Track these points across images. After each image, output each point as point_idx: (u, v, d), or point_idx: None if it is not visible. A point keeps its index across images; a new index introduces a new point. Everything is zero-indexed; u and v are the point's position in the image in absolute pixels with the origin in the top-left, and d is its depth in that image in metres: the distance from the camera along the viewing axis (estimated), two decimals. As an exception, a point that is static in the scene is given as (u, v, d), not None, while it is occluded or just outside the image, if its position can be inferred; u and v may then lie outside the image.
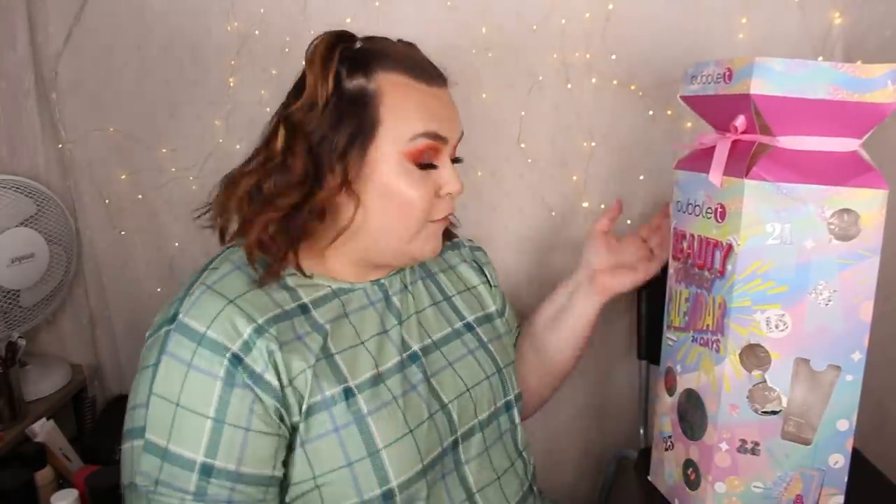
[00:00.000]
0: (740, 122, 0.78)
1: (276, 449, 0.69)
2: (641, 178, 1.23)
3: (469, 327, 0.89)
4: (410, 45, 0.79)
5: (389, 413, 0.73)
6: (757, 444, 0.79)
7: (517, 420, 0.90)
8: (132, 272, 1.36)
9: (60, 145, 1.31)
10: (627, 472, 1.32)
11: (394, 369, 0.76)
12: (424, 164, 0.74)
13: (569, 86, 1.20)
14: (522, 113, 1.22)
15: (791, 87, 0.72)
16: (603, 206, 1.24)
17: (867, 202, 0.74)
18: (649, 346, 1.23)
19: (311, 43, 0.75)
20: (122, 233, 1.35)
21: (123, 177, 1.32)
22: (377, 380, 0.74)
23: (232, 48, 1.22)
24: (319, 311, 0.75)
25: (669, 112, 1.19)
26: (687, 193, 0.86)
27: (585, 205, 1.25)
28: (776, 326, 0.77)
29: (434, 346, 0.83)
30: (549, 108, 1.21)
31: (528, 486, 0.89)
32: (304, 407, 0.69)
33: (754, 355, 0.78)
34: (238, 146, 1.26)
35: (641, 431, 1.29)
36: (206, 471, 0.66)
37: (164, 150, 1.29)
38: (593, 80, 1.19)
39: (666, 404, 0.90)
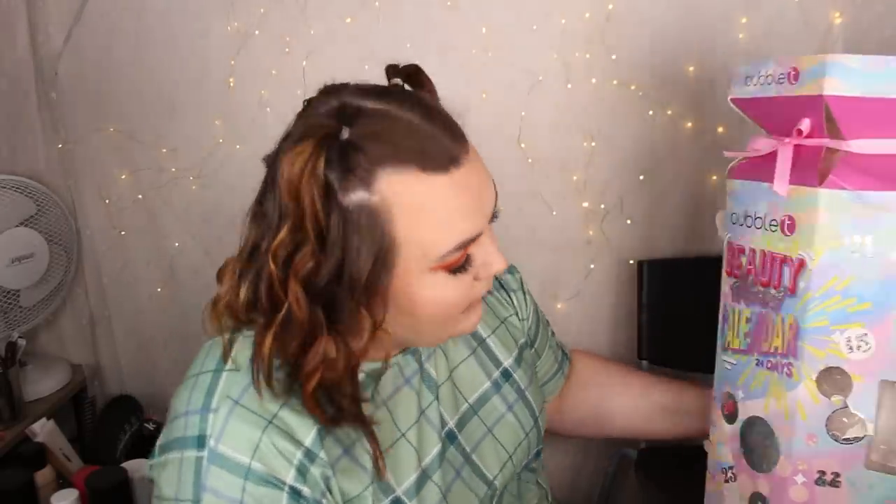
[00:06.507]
0: (805, 125, 0.71)
1: None
2: (641, 178, 1.23)
3: (507, 375, 0.80)
4: (416, 104, 0.59)
5: None
6: (837, 475, 0.72)
7: (540, 457, 0.84)
8: (132, 272, 1.37)
9: (60, 145, 1.31)
10: (627, 472, 1.32)
11: (437, 459, 0.68)
12: (460, 268, 0.61)
13: (569, 86, 1.20)
14: (522, 113, 1.22)
15: (869, 86, 0.67)
16: (603, 206, 1.25)
17: None
18: (649, 347, 1.23)
19: (284, 157, 0.54)
20: (122, 233, 1.35)
21: (123, 177, 1.32)
22: (423, 479, 0.66)
23: (232, 48, 1.22)
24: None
25: (669, 112, 1.19)
26: (744, 204, 0.79)
27: (585, 205, 1.25)
28: (858, 347, 0.70)
29: (472, 412, 0.74)
30: (549, 108, 1.21)
31: None
32: None
33: (832, 379, 0.71)
34: (238, 146, 1.26)
35: (641, 431, 1.29)
36: None
37: (164, 150, 1.29)
38: (593, 80, 1.19)
39: (725, 432, 0.83)
